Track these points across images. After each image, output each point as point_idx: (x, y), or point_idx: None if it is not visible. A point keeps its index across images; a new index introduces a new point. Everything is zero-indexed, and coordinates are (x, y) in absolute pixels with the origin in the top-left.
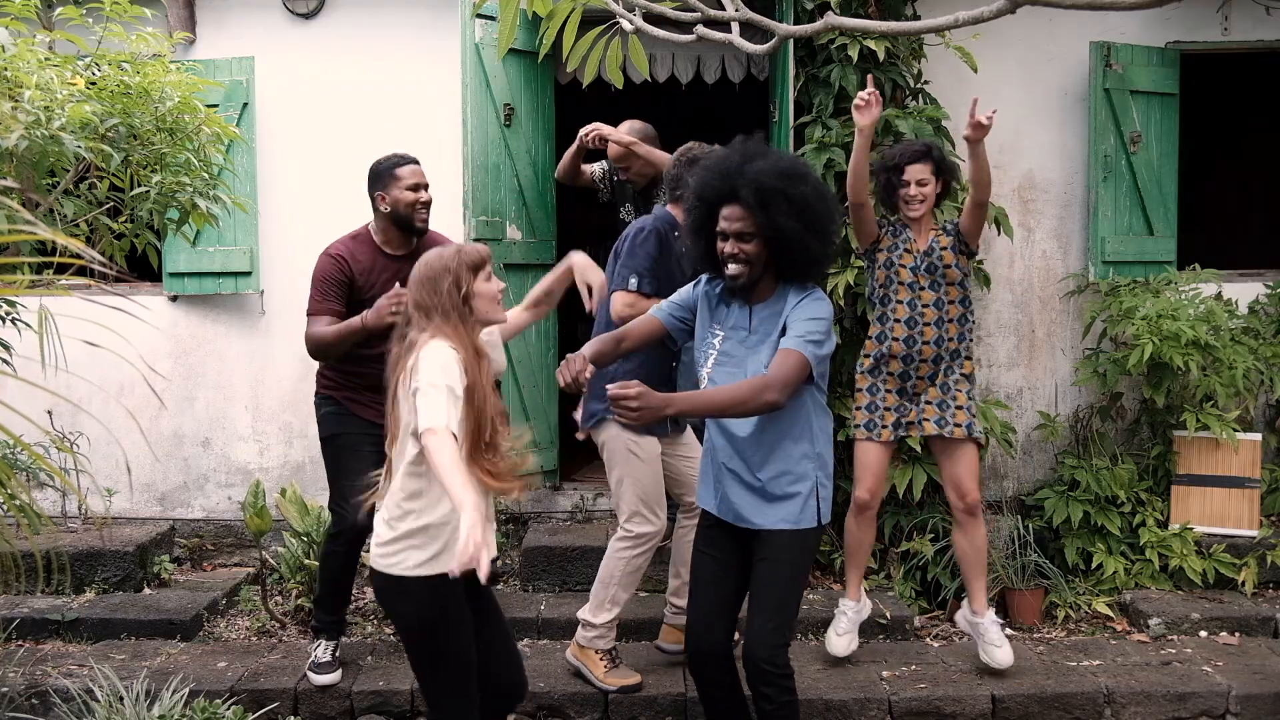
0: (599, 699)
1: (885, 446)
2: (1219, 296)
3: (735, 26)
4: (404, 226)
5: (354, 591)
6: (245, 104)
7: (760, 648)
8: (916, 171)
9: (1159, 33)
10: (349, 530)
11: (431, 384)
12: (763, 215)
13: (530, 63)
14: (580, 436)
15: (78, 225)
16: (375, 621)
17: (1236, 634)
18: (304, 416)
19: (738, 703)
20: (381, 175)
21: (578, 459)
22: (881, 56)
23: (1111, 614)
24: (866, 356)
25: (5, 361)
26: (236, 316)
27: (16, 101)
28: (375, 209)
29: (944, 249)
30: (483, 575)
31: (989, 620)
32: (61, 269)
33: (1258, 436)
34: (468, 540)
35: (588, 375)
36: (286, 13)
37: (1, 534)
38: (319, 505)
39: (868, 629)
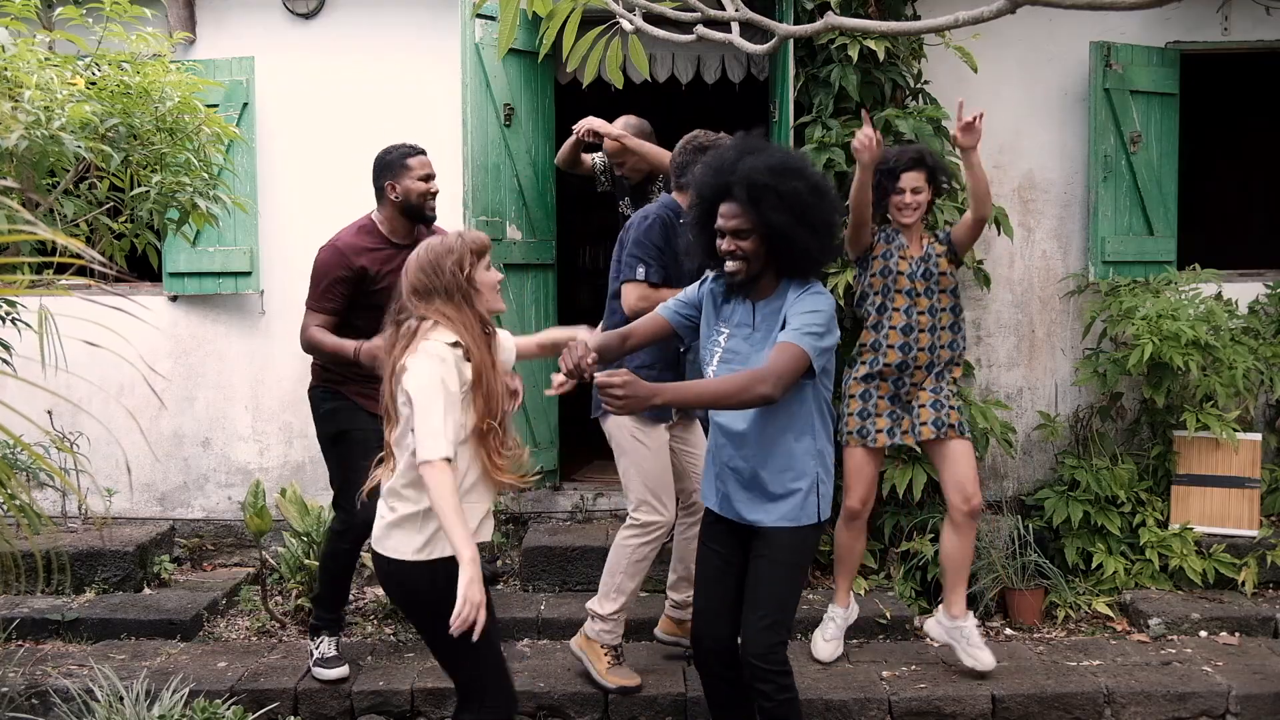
0: (599, 699)
1: (877, 454)
2: (1219, 296)
3: (735, 26)
4: (414, 216)
5: (354, 591)
6: (245, 104)
7: (756, 645)
8: (911, 179)
9: (1159, 33)
10: (357, 528)
11: (426, 406)
12: (755, 211)
13: (530, 63)
14: (549, 392)
15: (78, 225)
16: (375, 621)
17: (1236, 634)
18: (304, 416)
19: (743, 698)
20: (392, 165)
21: (578, 459)
22: (881, 56)
23: (1111, 614)
24: (861, 364)
25: (5, 361)
26: (236, 316)
27: (16, 101)
28: (383, 198)
29: (939, 256)
30: (475, 634)
31: (970, 624)
32: (61, 269)
33: (1258, 436)
34: (465, 600)
35: (589, 362)
36: (286, 13)
37: (1, 534)
38: (319, 505)
39: (868, 629)
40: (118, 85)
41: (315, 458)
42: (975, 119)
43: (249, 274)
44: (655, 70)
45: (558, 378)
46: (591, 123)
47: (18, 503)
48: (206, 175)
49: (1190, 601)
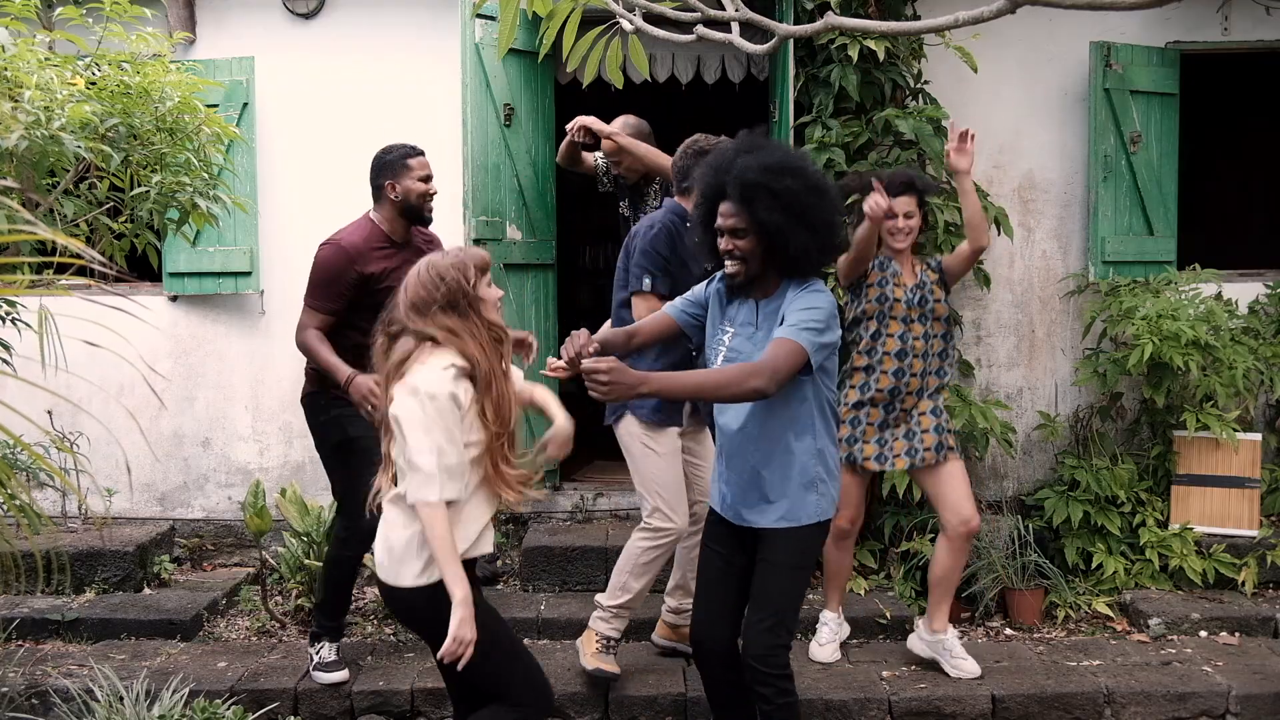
0: (599, 699)
1: (865, 476)
2: (1219, 296)
3: (735, 26)
4: (412, 216)
5: (354, 592)
6: (245, 104)
7: (757, 647)
8: (903, 204)
9: (1159, 33)
10: (361, 536)
11: (416, 447)
12: (749, 211)
13: (530, 63)
14: (544, 373)
15: (78, 225)
16: (375, 621)
17: (1236, 634)
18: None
19: (744, 699)
20: (392, 165)
21: (578, 459)
22: (881, 56)
23: (1111, 614)
24: (852, 388)
25: (5, 361)
26: (236, 316)
27: (16, 101)
28: (382, 198)
29: (933, 284)
30: (460, 665)
31: (951, 636)
32: (61, 269)
33: (1258, 436)
34: (454, 640)
35: (590, 351)
36: (286, 13)
37: (1, 534)
38: (319, 505)
39: (868, 629)
40: (118, 85)
41: (315, 458)
42: (968, 136)
43: (249, 274)
44: (655, 70)
45: (554, 361)
46: (584, 121)
47: (18, 503)
48: (206, 175)
49: (1190, 601)
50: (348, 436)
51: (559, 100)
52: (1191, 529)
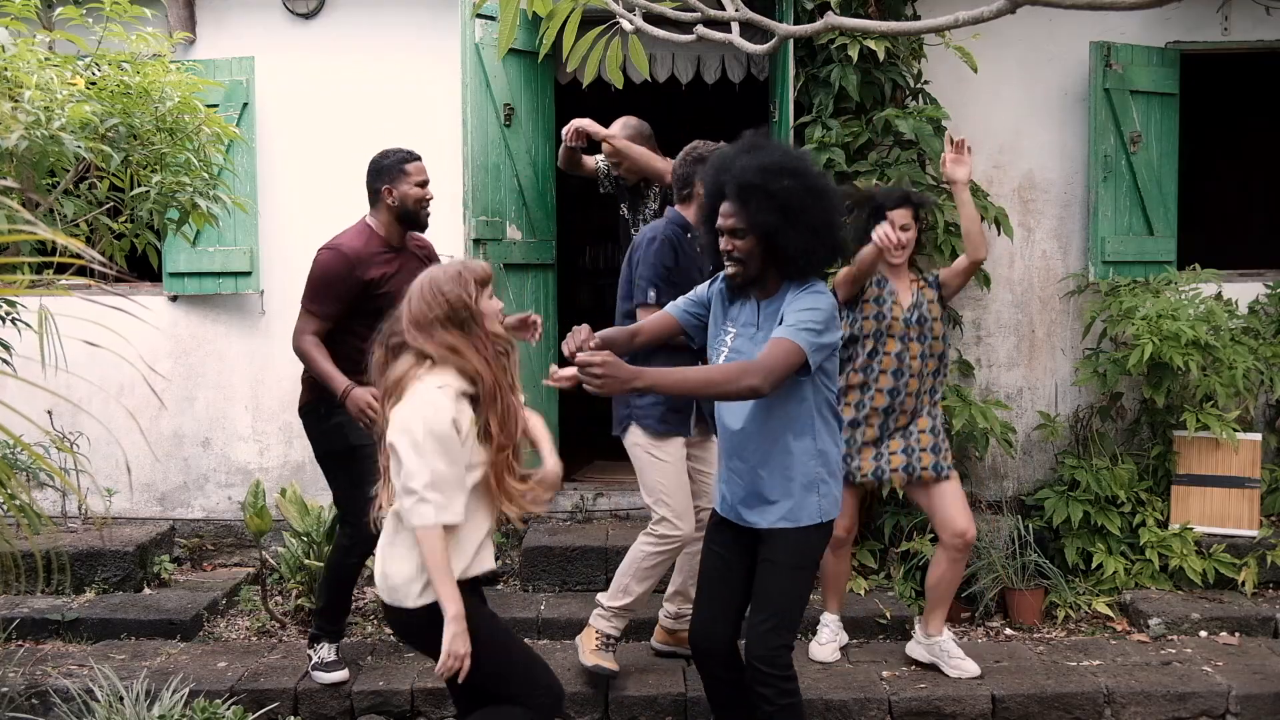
0: (599, 699)
1: (860, 488)
2: (1219, 296)
3: (735, 26)
4: (409, 221)
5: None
6: (245, 104)
7: (758, 648)
8: (900, 216)
9: (1159, 33)
10: (364, 544)
11: (412, 472)
12: (747, 211)
13: (530, 63)
14: (546, 382)
15: (78, 225)
16: (375, 621)
17: (1236, 634)
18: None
19: (744, 699)
20: (390, 169)
21: (578, 459)
22: (881, 56)
23: (1111, 614)
24: (847, 405)
25: (5, 361)
26: (236, 316)
27: (16, 101)
28: (379, 203)
29: (930, 303)
30: (460, 678)
31: (947, 638)
32: (61, 269)
33: (1258, 436)
34: (448, 654)
35: (592, 345)
36: (286, 13)
37: (1, 534)
38: (319, 505)
39: (868, 629)
40: (118, 85)
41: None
42: (964, 146)
43: (249, 274)
44: (655, 70)
45: (555, 370)
46: (580, 124)
47: (18, 503)
48: (206, 175)
49: (1190, 601)
50: (349, 444)
51: (559, 100)
52: (1191, 529)
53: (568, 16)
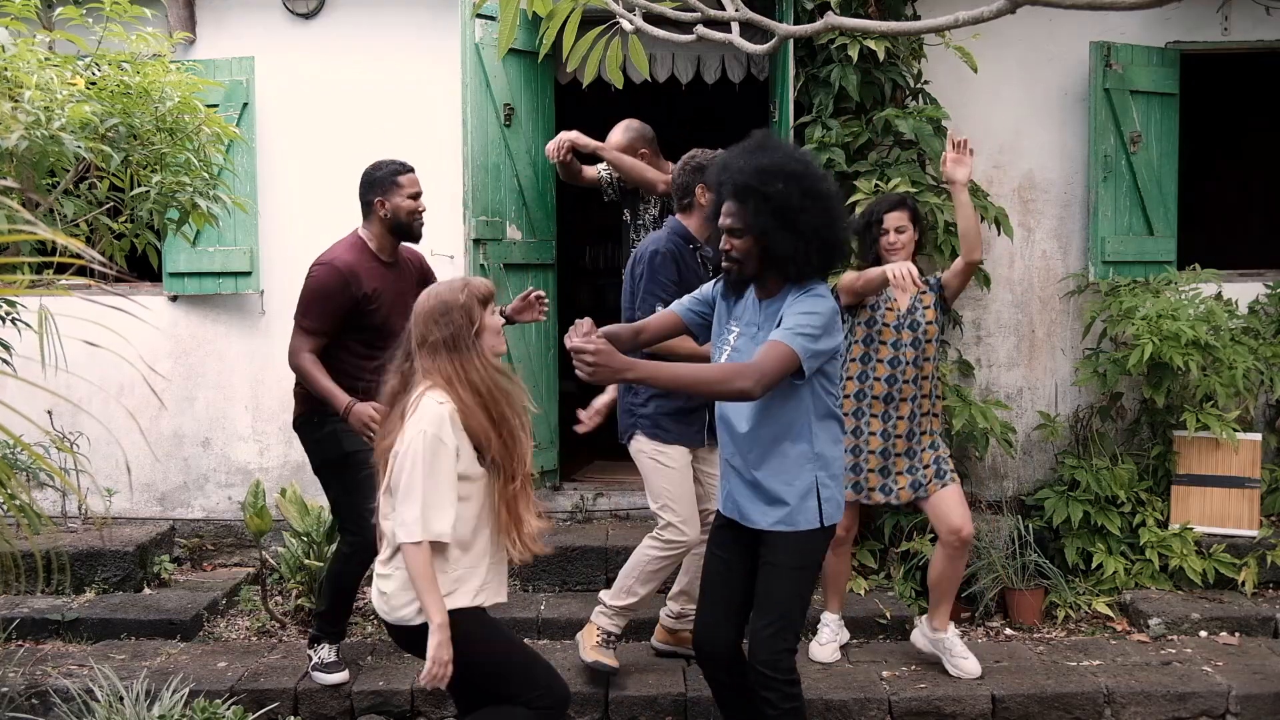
0: (599, 699)
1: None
2: (1219, 296)
3: (735, 26)
4: (402, 234)
5: None
6: (245, 104)
7: (761, 651)
8: (895, 219)
9: (1159, 33)
10: (365, 550)
11: (408, 486)
12: (743, 212)
13: (530, 63)
14: (579, 429)
15: (78, 225)
16: (375, 621)
17: (1236, 634)
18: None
19: (748, 701)
20: (382, 181)
21: (578, 459)
22: (881, 56)
23: (1111, 614)
24: (848, 415)
25: (5, 361)
26: (236, 316)
27: (16, 101)
28: (371, 215)
29: (926, 307)
30: (443, 685)
31: (952, 634)
32: (61, 269)
33: (1258, 436)
34: (433, 660)
35: (594, 337)
36: (286, 13)
37: (1, 534)
38: (319, 505)
39: (868, 629)
40: (118, 85)
41: None
42: (965, 146)
43: (249, 274)
44: (655, 70)
45: (584, 415)
46: (570, 136)
47: (18, 503)
48: (206, 175)
49: (1190, 601)
50: (344, 451)
51: (559, 100)
52: (1191, 529)
53: (568, 16)
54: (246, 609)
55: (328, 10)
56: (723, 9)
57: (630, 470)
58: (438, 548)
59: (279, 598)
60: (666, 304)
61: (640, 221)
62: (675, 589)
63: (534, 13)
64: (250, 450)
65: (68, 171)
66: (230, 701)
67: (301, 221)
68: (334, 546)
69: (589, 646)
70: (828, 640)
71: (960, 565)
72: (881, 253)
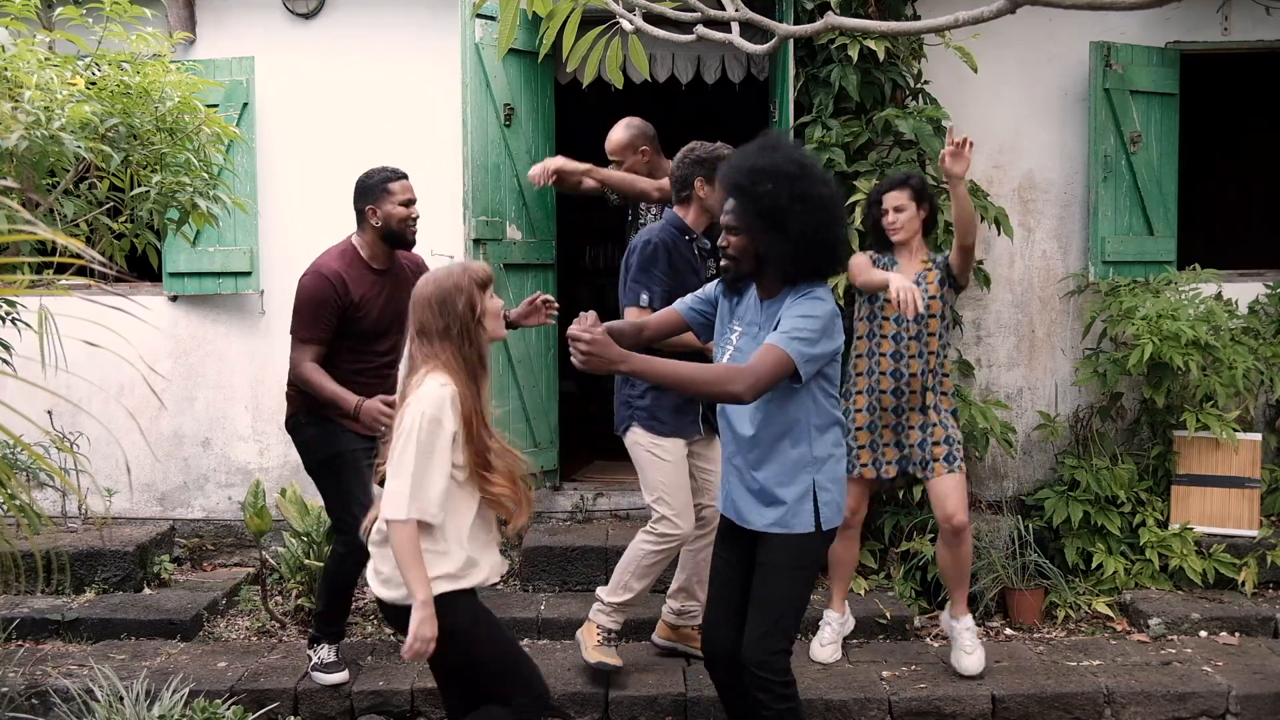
0: (599, 698)
1: (863, 480)
2: (1219, 296)
3: (735, 26)
4: (394, 241)
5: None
6: (245, 104)
7: (753, 652)
8: (893, 198)
9: (1159, 33)
10: (360, 550)
11: (400, 461)
12: (737, 210)
13: (530, 63)
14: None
15: (78, 225)
16: (375, 621)
17: (1236, 634)
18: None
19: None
20: (373, 189)
21: (578, 459)
22: (881, 56)
23: (1111, 614)
24: (859, 394)
25: (5, 361)
26: (236, 316)
27: (16, 101)
28: (364, 223)
29: (930, 283)
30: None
31: (962, 625)
32: (61, 269)
33: (1258, 436)
34: (414, 637)
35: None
36: (286, 13)
37: (1, 534)
38: (319, 505)
39: (868, 629)
40: (118, 85)
41: None
42: (966, 143)
43: (249, 274)
44: (655, 70)
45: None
46: (554, 165)
47: (18, 503)
48: (206, 175)
49: (1190, 601)
50: (334, 451)
51: (559, 100)
52: (1191, 529)
53: (568, 16)
54: (246, 609)
55: (328, 10)
56: (723, 9)
57: (630, 470)
58: (426, 527)
59: (279, 598)
60: (654, 294)
61: (643, 221)
62: (674, 586)
63: (534, 13)
64: (250, 450)
65: (68, 171)
66: (230, 701)
67: (301, 221)
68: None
69: (590, 646)
70: (829, 640)
71: (958, 553)
72: (887, 234)
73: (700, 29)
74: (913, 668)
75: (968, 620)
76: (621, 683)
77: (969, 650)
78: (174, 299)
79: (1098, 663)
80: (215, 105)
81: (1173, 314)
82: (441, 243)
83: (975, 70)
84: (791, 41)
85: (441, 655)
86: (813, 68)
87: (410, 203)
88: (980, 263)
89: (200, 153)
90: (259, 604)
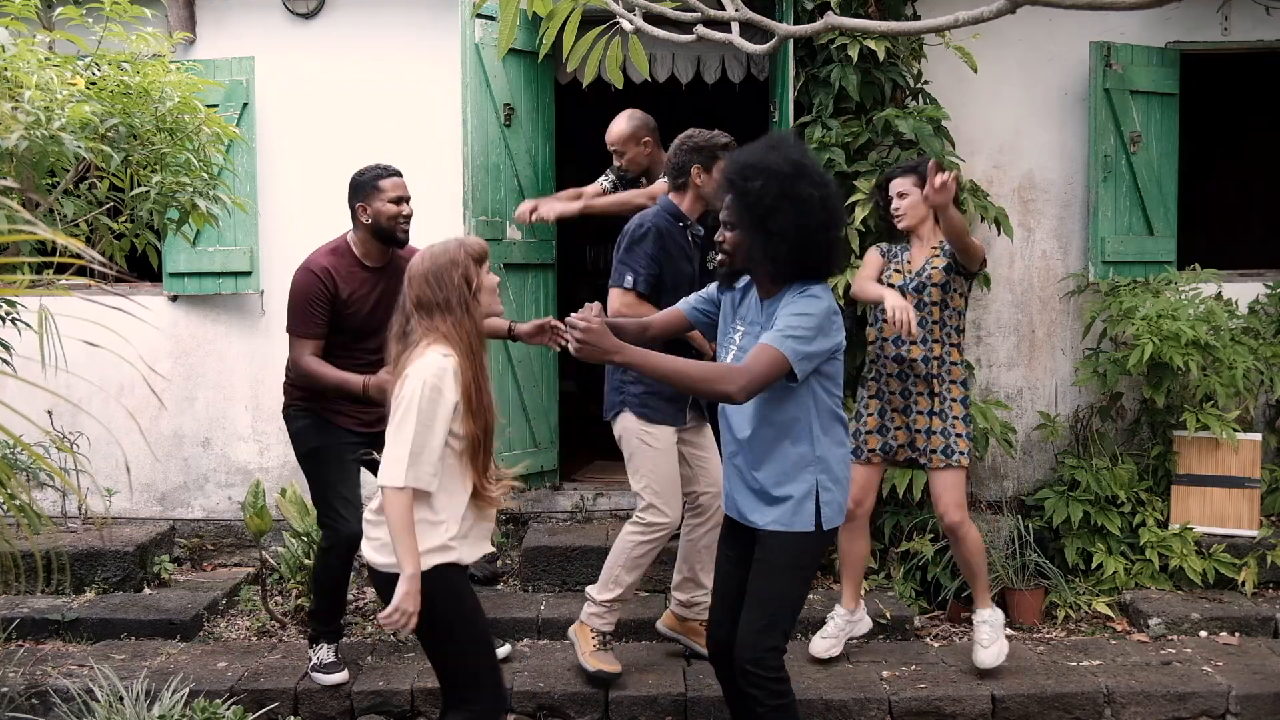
0: (599, 698)
1: (871, 465)
2: (1219, 296)
3: (735, 26)
4: (385, 239)
5: (353, 591)
6: (245, 104)
7: (746, 649)
8: (898, 185)
9: (1159, 33)
10: (343, 543)
11: (397, 429)
12: (731, 205)
13: (530, 63)
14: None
15: (78, 225)
16: (374, 621)
17: (1236, 634)
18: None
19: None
20: (363, 187)
21: (578, 459)
22: (881, 56)
23: (1111, 614)
24: (871, 378)
25: (5, 361)
26: (236, 316)
27: (16, 101)
28: (356, 221)
29: (935, 269)
30: (400, 637)
31: (978, 619)
32: (61, 269)
33: (1258, 436)
34: (396, 608)
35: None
36: (286, 13)
37: (1, 534)
38: None
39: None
40: (118, 85)
41: None
42: (947, 180)
43: (249, 274)
44: (655, 70)
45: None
46: (542, 212)
47: (18, 503)
48: (206, 175)
49: (1190, 601)
50: (312, 446)
51: (559, 100)
52: (1191, 529)
53: (568, 16)
54: (246, 609)
55: (328, 10)
56: (723, 9)
57: None
58: (423, 496)
59: (279, 598)
60: (640, 277)
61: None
62: (677, 578)
63: (534, 13)
64: (250, 450)
65: (68, 171)
66: (230, 701)
67: (301, 221)
68: None
69: (587, 653)
70: (830, 634)
71: (963, 549)
72: (893, 221)
73: (700, 29)
74: (913, 668)
75: (984, 613)
76: (621, 683)
77: (985, 644)
78: (174, 299)
79: (1098, 663)
80: (215, 105)
81: (1173, 314)
82: None
83: (975, 70)
84: (791, 41)
85: (419, 627)
86: (813, 68)
87: (401, 200)
88: (968, 250)
89: (200, 153)
90: (259, 604)
